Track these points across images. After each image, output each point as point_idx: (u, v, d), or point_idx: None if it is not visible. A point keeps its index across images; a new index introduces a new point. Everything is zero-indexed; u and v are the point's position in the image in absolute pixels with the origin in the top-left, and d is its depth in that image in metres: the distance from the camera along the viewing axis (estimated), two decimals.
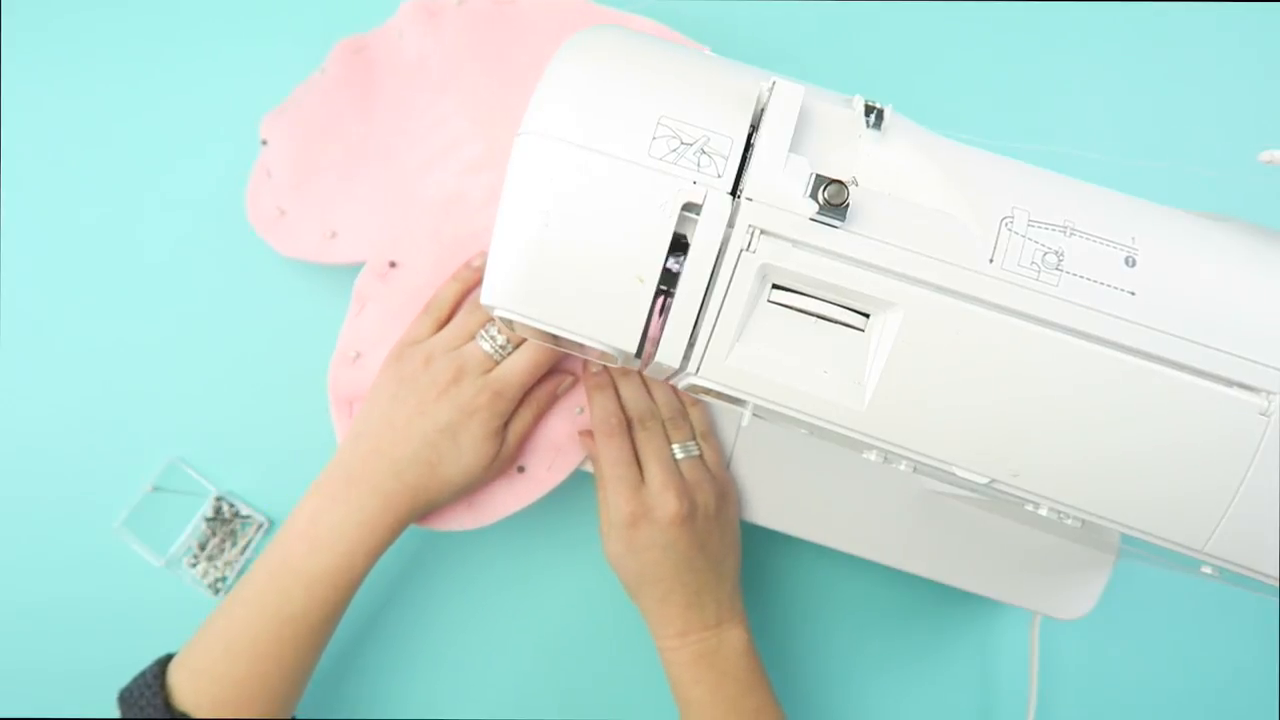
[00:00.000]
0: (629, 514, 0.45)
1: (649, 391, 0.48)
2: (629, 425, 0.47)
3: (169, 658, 0.44)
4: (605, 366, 0.48)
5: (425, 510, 0.45)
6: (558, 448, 0.49)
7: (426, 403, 0.44)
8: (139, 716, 0.41)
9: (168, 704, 0.41)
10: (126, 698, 0.42)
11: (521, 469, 0.48)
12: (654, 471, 0.45)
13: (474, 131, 0.50)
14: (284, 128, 0.51)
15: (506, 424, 0.46)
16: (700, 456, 0.48)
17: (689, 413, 0.48)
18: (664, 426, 0.47)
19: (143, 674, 0.43)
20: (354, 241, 0.50)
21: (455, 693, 0.54)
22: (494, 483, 0.48)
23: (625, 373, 0.48)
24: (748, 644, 0.46)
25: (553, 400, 0.48)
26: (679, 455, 0.47)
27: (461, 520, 0.48)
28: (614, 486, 0.45)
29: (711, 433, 0.49)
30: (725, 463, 0.49)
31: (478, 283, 0.48)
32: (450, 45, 0.51)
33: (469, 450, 0.44)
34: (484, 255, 0.48)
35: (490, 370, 0.45)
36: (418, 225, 0.50)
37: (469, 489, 0.46)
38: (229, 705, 0.42)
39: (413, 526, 0.47)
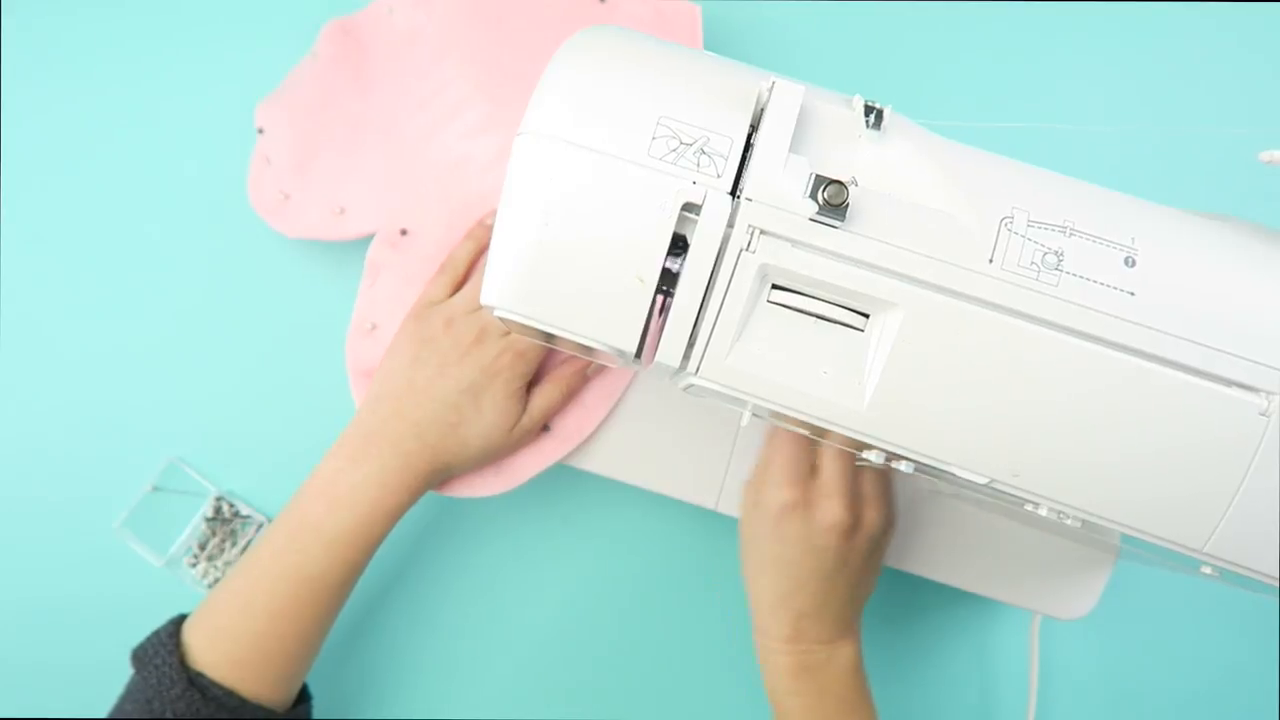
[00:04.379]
0: (790, 499, 0.42)
1: None
2: None
3: (183, 617, 0.44)
4: None
5: (445, 473, 0.45)
6: (581, 403, 0.49)
7: (448, 364, 0.44)
8: (153, 674, 0.41)
9: (182, 662, 0.41)
10: (140, 655, 0.42)
11: (547, 428, 0.48)
12: (831, 469, 0.43)
13: (475, 94, 0.50)
14: (279, 113, 0.51)
15: (529, 388, 0.46)
16: (883, 473, 0.45)
17: None
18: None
19: (156, 632, 0.43)
20: (363, 214, 0.50)
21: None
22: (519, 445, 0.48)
23: None
24: (856, 663, 0.44)
25: (583, 381, 0.48)
26: (867, 460, 0.45)
27: (489, 485, 0.48)
28: (783, 463, 0.43)
29: (889, 479, 0.46)
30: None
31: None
32: (443, 13, 0.50)
33: (490, 411, 0.44)
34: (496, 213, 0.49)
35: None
36: (426, 191, 0.50)
37: (489, 455, 0.46)
38: (245, 663, 0.42)
39: (443, 497, 0.46)
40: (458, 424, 0.44)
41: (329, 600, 0.44)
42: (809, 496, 0.42)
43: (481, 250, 0.48)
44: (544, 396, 0.46)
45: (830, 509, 0.42)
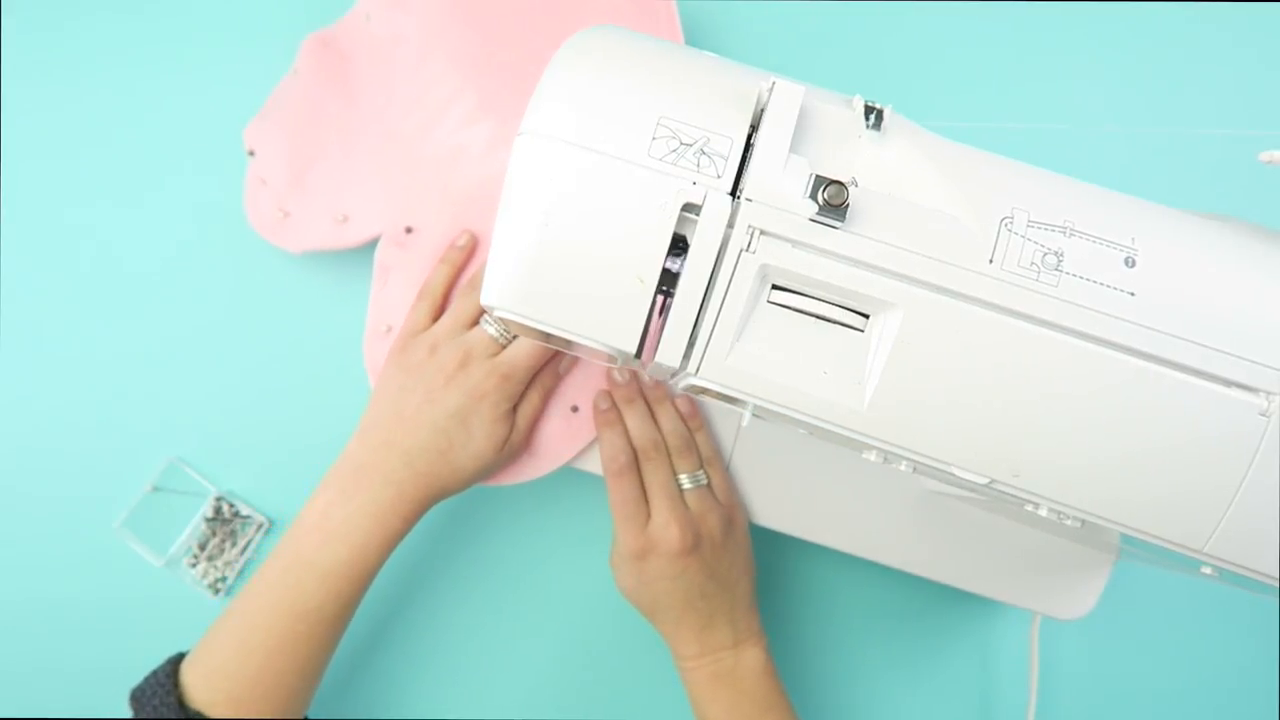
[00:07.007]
0: (636, 549, 0.45)
1: (655, 422, 0.48)
2: (637, 458, 0.47)
3: (181, 656, 0.44)
4: (613, 403, 0.48)
5: (439, 498, 0.45)
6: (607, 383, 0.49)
7: (434, 390, 0.44)
8: (152, 715, 0.41)
9: (181, 703, 0.41)
10: (139, 696, 0.42)
11: (575, 409, 0.49)
12: (659, 505, 0.46)
13: (464, 86, 0.50)
14: (268, 133, 0.51)
15: (516, 408, 0.46)
16: (708, 484, 0.48)
17: (695, 438, 0.48)
18: (669, 457, 0.47)
19: (155, 673, 0.43)
20: (366, 218, 0.50)
21: (469, 690, 0.54)
22: (551, 426, 0.48)
23: (630, 401, 0.48)
24: (765, 663, 0.47)
25: (557, 379, 0.48)
26: (686, 485, 0.47)
27: (526, 470, 0.48)
28: (621, 524, 0.46)
29: (717, 457, 0.49)
30: (726, 464, 0.49)
31: (466, 263, 0.49)
32: (422, 12, 0.50)
33: (479, 434, 0.44)
34: (468, 234, 0.49)
35: (497, 354, 0.45)
36: (426, 186, 0.50)
37: (482, 475, 0.46)
38: (243, 702, 0.42)
39: (449, 500, 0.47)
40: (447, 450, 0.44)
41: (325, 634, 0.43)
42: (650, 538, 0.45)
43: (458, 273, 0.48)
44: (528, 406, 0.47)
45: (669, 540, 0.45)
